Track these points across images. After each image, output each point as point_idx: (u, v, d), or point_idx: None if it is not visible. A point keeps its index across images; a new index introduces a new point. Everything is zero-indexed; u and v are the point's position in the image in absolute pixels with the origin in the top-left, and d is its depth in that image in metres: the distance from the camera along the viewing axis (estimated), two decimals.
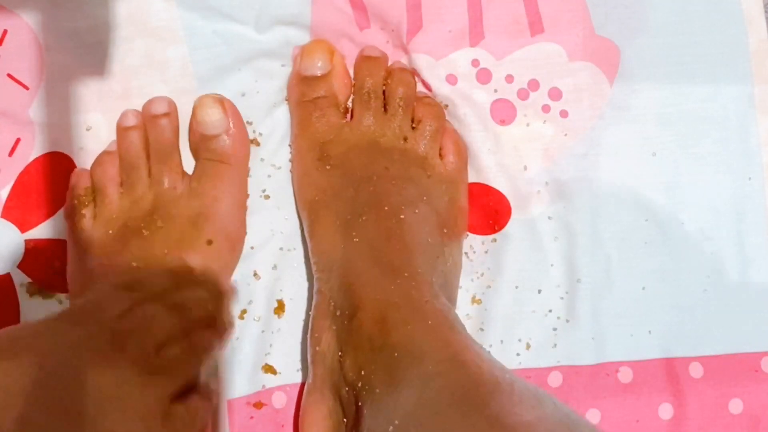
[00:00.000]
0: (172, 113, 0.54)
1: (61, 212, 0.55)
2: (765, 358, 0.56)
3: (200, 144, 0.53)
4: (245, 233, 0.55)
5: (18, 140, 0.55)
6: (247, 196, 0.55)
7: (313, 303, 0.51)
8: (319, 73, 0.54)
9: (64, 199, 0.54)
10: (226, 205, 0.53)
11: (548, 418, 0.38)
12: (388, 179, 0.51)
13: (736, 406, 0.55)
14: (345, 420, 0.46)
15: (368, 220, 0.50)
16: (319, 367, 0.48)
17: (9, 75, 0.55)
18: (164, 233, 0.51)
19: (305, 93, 0.54)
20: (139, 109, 0.55)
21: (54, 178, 0.55)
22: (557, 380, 0.55)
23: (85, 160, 0.55)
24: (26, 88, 0.55)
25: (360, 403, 0.44)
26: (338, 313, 0.48)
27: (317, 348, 0.49)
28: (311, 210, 0.53)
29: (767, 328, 0.56)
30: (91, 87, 0.55)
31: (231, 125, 0.53)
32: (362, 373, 0.44)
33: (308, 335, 0.50)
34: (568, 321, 0.55)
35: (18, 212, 0.55)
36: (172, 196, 0.52)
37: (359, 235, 0.49)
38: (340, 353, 0.47)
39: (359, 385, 0.44)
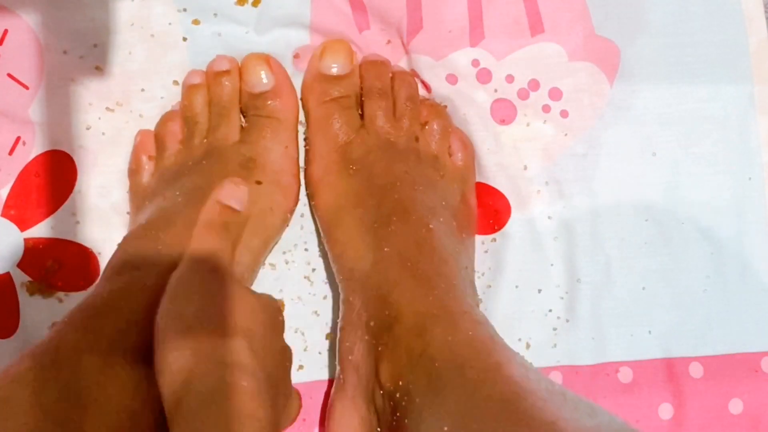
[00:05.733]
0: (233, 71, 0.54)
1: (61, 211, 0.55)
2: (765, 358, 0.56)
3: (249, 103, 0.54)
4: (299, 187, 0.55)
5: (18, 139, 0.55)
6: (298, 152, 0.55)
7: (341, 312, 0.50)
8: (340, 72, 0.54)
9: (64, 198, 0.54)
10: (276, 154, 0.53)
11: (606, 426, 0.38)
12: (411, 185, 0.51)
13: (736, 406, 0.55)
14: (379, 429, 0.46)
15: (397, 229, 0.49)
16: (352, 376, 0.48)
17: (9, 75, 0.55)
18: (211, 172, 0.51)
19: (326, 92, 0.54)
20: (138, 109, 0.55)
21: (54, 176, 0.55)
22: (557, 380, 0.55)
23: (85, 159, 0.55)
24: (26, 87, 0.55)
25: (398, 414, 0.44)
26: (372, 323, 0.47)
27: (350, 357, 0.48)
28: (332, 214, 0.52)
29: (767, 328, 0.56)
30: (90, 87, 0.55)
31: (277, 82, 0.54)
32: (400, 383, 0.44)
33: (338, 343, 0.50)
34: (568, 321, 0.55)
35: (18, 211, 0.55)
36: (224, 144, 0.53)
37: (389, 245, 0.49)
38: (375, 363, 0.46)
39: (397, 395, 0.44)
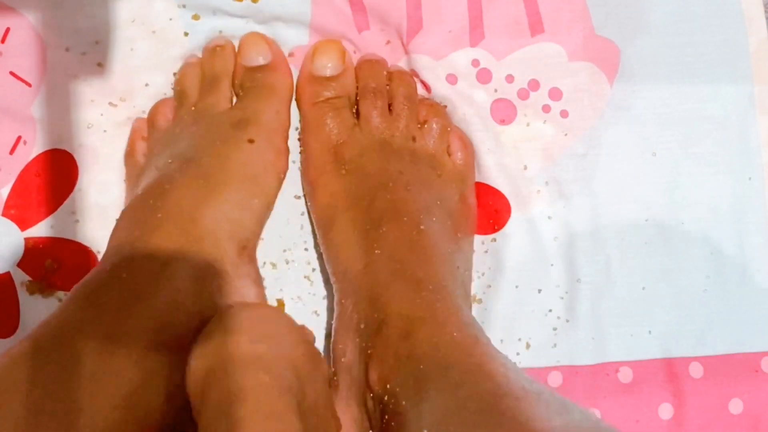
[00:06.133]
0: (227, 45, 0.55)
1: (60, 210, 0.55)
2: (765, 358, 0.56)
3: (245, 75, 0.54)
4: (288, 152, 0.54)
5: (19, 138, 0.55)
6: (289, 121, 0.55)
7: (335, 313, 0.50)
8: (332, 72, 0.54)
9: (64, 197, 0.55)
10: (267, 115, 0.53)
11: (576, 423, 0.38)
12: (404, 185, 0.51)
13: (736, 406, 0.55)
14: (371, 431, 0.46)
15: (388, 231, 0.49)
16: (345, 378, 0.48)
17: (11, 72, 0.55)
18: (203, 135, 0.51)
19: (318, 93, 0.54)
20: (141, 105, 0.56)
21: (55, 175, 0.55)
22: (557, 380, 0.55)
23: (86, 157, 0.55)
24: (28, 85, 0.55)
25: (387, 417, 0.44)
26: (362, 326, 0.47)
27: (342, 359, 0.48)
28: (326, 215, 0.52)
29: (767, 328, 0.56)
30: (93, 85, 0.55)
31: (274, 58, 0.54)
32: (388, 386, 0.44)
33: (331, 345, 0.50)
34: (568, 321, 0.55)
35: (18, 210, 0.55)
36: (214, 110, 0.53)
37: (380, 247, 0.49)
38: (365, 366, 0.46)
39: (385, 398, 0.44)
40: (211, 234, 0.48)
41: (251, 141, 0.51)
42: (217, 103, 0.53)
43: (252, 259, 0.51)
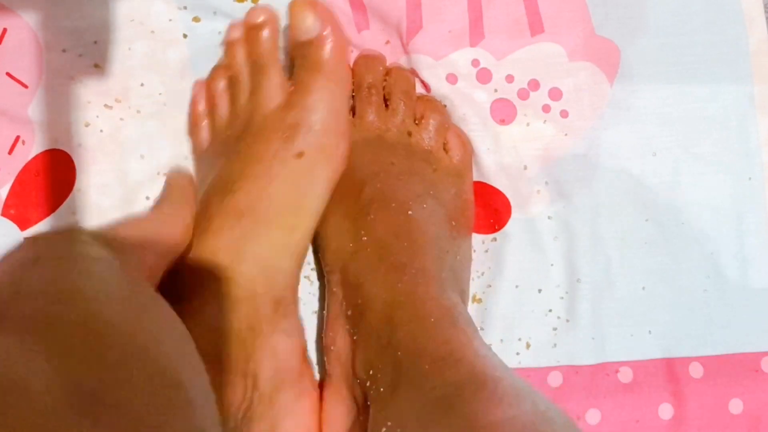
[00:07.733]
0: (269, 22, 0.51)
1: (61, 210, 0.55)
2: (765, 358, 0.56)
3: (296, 52, 0.51)
4: (346, 146, 0.50)
5: (17, 138, 0.55)
6: (348, 109, 0.52)
7: (326, 302, 0.51)
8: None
9: (63, 197, 0.54)
10: (320, 115, 0.49)
11: (521, 416, 0.38)
12: (395, 175, 0.51)
13: (736, 406, 0.55)
14: (361, 419, 0.46)
15: (376, 218, 0.49)
16: (336, 366, 0.48)
17: (8, 74, 0.55)
18: (249, 151, 0.49)
19: None
20: (136, 104, 0.55)
21: (53, 175, 0.55)
22: (557, 380, 0.55)
23: (84, 157, 0.55)
24: (25, 86, 0.55)
25: (369, 402, 0.44)
26: (349, 312, 0.48)
27: (332, 347, 0.49)
28: None
29: (767, 328, 0.56)
30: (90, 86, 0.55)
31: (325, 29, 0.50)
32: (371, 372, 0.44)
33: (323, 333, 0.50)
34: (568, 321, 0.55)
35: (18, 210, 0.55)
36: (267, 108, 0.50)
37: (368, 234, 0.49)
38: (352, 353, 0.47)
39: (368, 384, 0.44)
40: (249, 292, 0.46)
41: (300, 155, 0.48)
42: (268, 99, 0.50)
43: (288, 313, 0.48)
